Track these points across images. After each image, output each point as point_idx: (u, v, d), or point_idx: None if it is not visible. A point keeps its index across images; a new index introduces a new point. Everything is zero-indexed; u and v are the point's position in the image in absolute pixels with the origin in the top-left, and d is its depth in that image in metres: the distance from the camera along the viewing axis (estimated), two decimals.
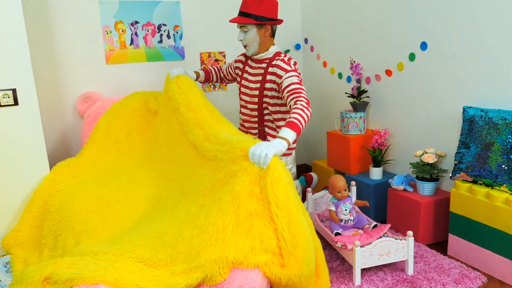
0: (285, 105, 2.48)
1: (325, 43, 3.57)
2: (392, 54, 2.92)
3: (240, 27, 2.37)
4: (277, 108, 2.52)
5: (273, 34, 2.46)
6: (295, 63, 2.42)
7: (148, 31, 3.22)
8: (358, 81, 3.12)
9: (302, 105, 2.09)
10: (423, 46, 2.67)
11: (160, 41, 3.28)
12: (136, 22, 3.17)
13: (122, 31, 3.14)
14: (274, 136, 2.51)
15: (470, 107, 2.36)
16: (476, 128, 2.30)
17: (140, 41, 3.21)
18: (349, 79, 3.34)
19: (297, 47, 3.84)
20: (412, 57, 2.77)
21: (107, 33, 3.10)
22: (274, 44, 2.51)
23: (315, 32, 3.68)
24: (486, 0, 2.27)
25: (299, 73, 2.39)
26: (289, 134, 1.97)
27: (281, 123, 2.54)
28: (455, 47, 2.49)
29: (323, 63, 3.62)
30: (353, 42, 3.26)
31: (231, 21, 2.37)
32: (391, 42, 2.91)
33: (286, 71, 2.33)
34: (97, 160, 2.63)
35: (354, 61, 3.14)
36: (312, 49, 3.74)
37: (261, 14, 2.29)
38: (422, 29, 2.67)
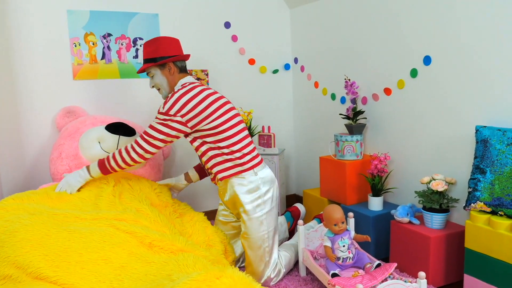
0: (203, 143, 2.25)
1: (317, 62, 3.30)
2: (390, 71, 2.65)
3: (147, 74, 2.37)
4: (203, 150, 2.27)
5: (182, 70, 2.35)
6: (176, 101, 2.13)
7: (122, 44, 2.92)
8: (354, 101, 2.83)
9: (124, 148, 2.21)
10: (427, 60, 2.40)
11: (136, 57, 2.97)
12: (109, 35, 2.87)
13: (93, 44, 2.83)
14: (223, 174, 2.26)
15: (484, 126, 2.06)
16: (493, 150, 2.00)
17: (113, 55, 2.90)
18: (343, 100, 3.05)
19: (287, 67, 3.57)
20: (414, 73, 2.49)
21: (76, 46, 2.78)
22: (185, 77, 2.35)
23: (305, 51, 3.41)
24: (496, 3, 2.02)
25: (170, 115, 2.13)
26: (94, 170, 2.23)
27: (213, 162, 2.27)
28: (463, 60, 2.21)
29: (315, 83, 3.34)
30: (346, 60, 2.99)
31: (138, 72, 2.39)
32: (389, 58, 2.64)
33: (158, 110, 2.21)
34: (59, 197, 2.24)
35: (349, 79, 2.86)
36: (302, 69, 3.47)
37: (158, 55, 2.28)
38: (425, 42, 2.40)
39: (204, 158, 2.27)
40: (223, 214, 2.48)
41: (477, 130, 2.08)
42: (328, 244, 2.12)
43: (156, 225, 2.08)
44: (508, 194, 1.91)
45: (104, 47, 2.86)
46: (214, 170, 2.25)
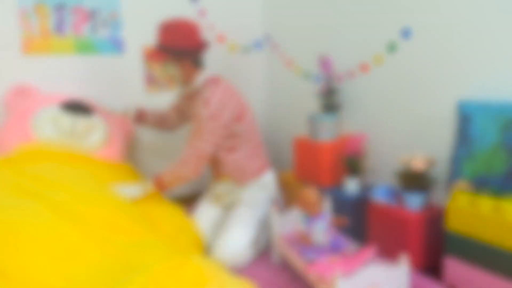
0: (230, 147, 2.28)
1: (289, 40, 3.14)
2: (367, 46, 2.51)
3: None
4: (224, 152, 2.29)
5: (198, 63, 2.25)
6: (220, 100, 2.16)
7: (78, 16, 2.66)
8: (329, 79, 2.69)
9: (186, 156, 2.13)
10: (406, 34, 2.28)
11: (94, 30, 2.73)
12: (63, 5, 2.61)
13: (45, 15, 2.57)
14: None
15: (467, 101, 1.96)
16: (476, 125, 1.90)
17: (67, 28, 2.64)
18: (317, 79, 2.91)
19: (258, 45, 3.39)
20: (392, 47, 2.36)
21: (25, 16, 2.52)
22: (200, 72, 2.26)
23: (278, 28, 3.25)
24: None
25: (218, 112, 2.15)
26: (155, 187, 2.11)
27: (228, 168, 2.31)
28: (444, 34, 2.10)
29: (287, 62, 3.18)
30: (321, 37, 2.84)
31: (154, 55, 2.34)
32: (365, 32, 2.51)
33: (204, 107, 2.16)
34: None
35: (324, 56, 2.71)
36: (274, 47, 3.30)
37: (182, 48, 2.13)
38: (404, 12, 2.27)
39: (217, 165, 2.32)
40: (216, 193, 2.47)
41: (459, 106, 1.97)
42: (304, 228, 1.99)
43: (116, 206, 1.91)
44: (492, 170, 1.82)
45: (57, 19, 2.60)
46: (231, 175, 2.31)
